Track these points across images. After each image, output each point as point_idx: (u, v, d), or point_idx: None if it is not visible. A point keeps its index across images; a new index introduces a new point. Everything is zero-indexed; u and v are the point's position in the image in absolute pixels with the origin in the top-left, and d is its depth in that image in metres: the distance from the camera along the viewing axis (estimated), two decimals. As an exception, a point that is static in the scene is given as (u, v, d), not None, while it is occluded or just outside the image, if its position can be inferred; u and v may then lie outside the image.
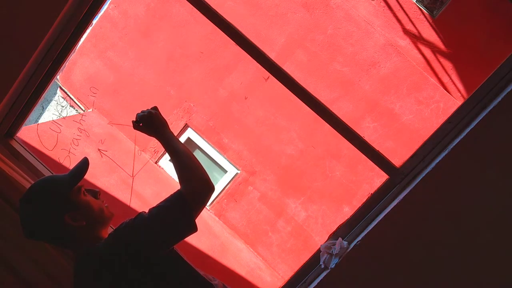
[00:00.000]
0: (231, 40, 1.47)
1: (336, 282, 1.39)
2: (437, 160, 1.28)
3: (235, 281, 3.34)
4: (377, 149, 1.43)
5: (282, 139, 3.84)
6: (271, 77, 1.49)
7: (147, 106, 1.30)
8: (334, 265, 1.37)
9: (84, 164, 1.19)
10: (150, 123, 1.23)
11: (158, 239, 1.07)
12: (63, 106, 4.22)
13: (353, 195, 3.75)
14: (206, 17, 1.48)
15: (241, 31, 1.46)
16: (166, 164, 4.02)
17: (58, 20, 1.44)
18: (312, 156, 3.80)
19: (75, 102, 4.14)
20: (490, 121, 1.22)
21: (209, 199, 1.13)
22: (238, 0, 3.81)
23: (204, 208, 3.92)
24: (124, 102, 4.03)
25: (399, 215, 1.31)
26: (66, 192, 1.13)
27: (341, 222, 1.48)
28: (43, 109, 4.32)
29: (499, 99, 1.21)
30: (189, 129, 4.01)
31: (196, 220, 1.11)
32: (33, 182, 1.53)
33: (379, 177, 3.59)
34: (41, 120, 4.33)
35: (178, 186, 1.13)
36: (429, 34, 4.18)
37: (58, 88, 4.20)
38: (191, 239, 3.25)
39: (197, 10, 1.48)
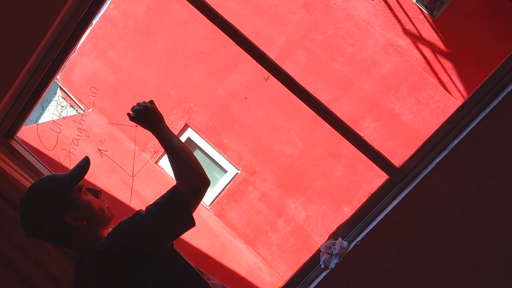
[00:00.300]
0: (231, 40, 1.47)
1: (336, 282, 1.39)
2: (437, 160, 1.28)
3: (235, 281, 3.34)
4: (377, 149, 1.43)
5: (282, 139, 3.84)
6: (271, 77, 1.49)
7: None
8: (334, 265, 1.37)
9: (85, 163, 1.19)
10: (146, 116, 1.23)
11: (157, 235, 1.07)
12: (63, 106, 4.22)
13: (353, 195, 3.75)
14: (206, 17, 1.48)
15: (241, 31, 1.46)
16: (166, 164, 4.02)
17: (58, 20, 1.44)
18: (312, 156, 3.80)
19: (75, 102, 4.14)
20: (490, 121, 1.22)
21: (205, 193, 1.13)
22: (238, 0, 3.81)
23: (204, 208, 3.93)
24: (124, 102, 4.03)
25: (399, 215, 1.31)
26: (66, 192, 1.13)
27: (341, 222, 1.48)
28: (43, 109, 4.32)
29: (499, 99, 1.21)
30: (189, 129, 4.01)
31: (196, 220, 1.11)
32: (33, 182, 1.53)
33: (379, 177, 3.59)
34: (41, 120, 4.33)
35: (178, 186, 1.13)
36: (429, 34, 4.18)
37: (58, 88, 4.20)
38: (191, 239, 3.26)
39: (197, 10, 1.48)
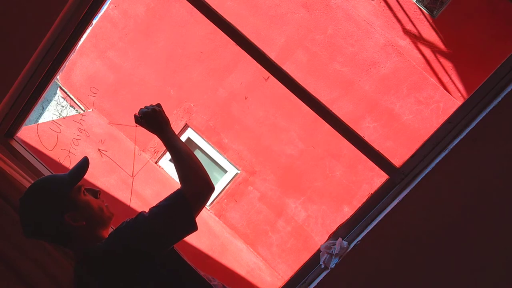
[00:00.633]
0: (231, 40, 1.47)
1: (336, 282, 1.39)
2: (437, 160, 1.28)
3: (235, 281, 3.34)
4: (377, 149, 1.43)
5: (282, 139, 3.84)
6: (271, 77, 1.49)
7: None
8: (334, 265, 1.37)
9: (84, 164, 1.19)
10: (153, 120, 1.23)
11: (159, 238, 1.07)
12: (63, 106, 4.22)
13: (353, 195, 3.75)
14: (206, 17, 1.48)
15: (241, 31, 1.46)
16: (166, 164, 4.02)
17: (58, 20, 1.44)
18: (312, 156, 3.80)
19: (75, 102, 4.14)
20: (490, 121, 1.22)
21: (209, 198, 1.14)
22: (238, 0, 3.81)
23: (204, 208, 3.92)
24: (124, 102, 4.03)
25: (399, 215, 1.31)
26: (66, 192, 1.13)
27: (341, 222, 1.48)
28: (43, 109, 4.32)
29: (499, 99, 1.21)
30: (189, 129, 4.01)
31: (197, 220, 1.11)
32: (33, 182, 1.53)
33: (379, 177, 3.59)
34: (41, 120, 4.33)
35: (178, 186, 1.14)
36: (429, 34, 4.18)
37: (58, 88, 4.20)
38: (191, 239, 3.25)
39: (197, 10, 1.48)
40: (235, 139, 3.93)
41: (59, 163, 2.59)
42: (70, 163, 2.57)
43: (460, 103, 1.73)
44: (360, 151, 1.44)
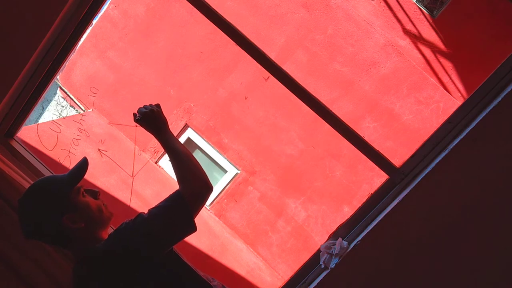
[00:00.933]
0: (231, 40, 1.47)
1: (336, 282, 1.39)
2: (437, 160, 1.28)
3: (235, 281, 3.34)
4: (377, 149, 1.43)
5: (282, 139, 3.84)
6: (271, 77, 1.49)
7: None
8: (334, 265, 1.37)
9: (83, 165, 1.18)
10: (151, 120, 1.23)
11: (158, 239, 1.07)
12: (63, 106, 4.22)
13: (353, 195, 3.75)
14: (206, 17, 1.48)
15: (241, 31, 1.46)
16: (166, 164, 4.02)
17: (58, 20, 1.44)
18: (312, 156, 3.80)
19: (75, 102, 4.14)
20: (490, 121, 1.22)
21: (207, 199, 1.14)
22: (238, 0, 3.81)
23: (204, 208, 3.92)
24: (124, 102, 4.03)
25: (399, 215, 1.31)
26: (65, 194, 1.12)
27: (341, 222, 1.48)
28: (43, 109, 4.32)
29: (499, 99, 1.21)
30: (189, 129, 4.01)
31: (196, 220, 1.11)
32: (32, 182, 1.53)
33: (379, 177, 3.59)
34: (41, 120, 4.33)
35: (178, 186, 1.14)
36: (429, 34, 4.18)
37: (58, 88, 4.20)
38: (191, 239, 3.25)
39: (197, 10, 1.48)
40: (235, 139, 3.93)
41: (59, 163, 2.59)
42: (70, 163, 2.57)
43: (460, 103, 1.73)
44: (360, 151, 1.44)
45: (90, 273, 1.09)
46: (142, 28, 3.98)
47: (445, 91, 3.72)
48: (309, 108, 1.46)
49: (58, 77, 4.11)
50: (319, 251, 1.45)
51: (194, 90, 3.96)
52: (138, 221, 1.08)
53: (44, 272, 1.53)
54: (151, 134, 1.25)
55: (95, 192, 1.21)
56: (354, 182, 3.75)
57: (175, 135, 1.26)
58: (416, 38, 4.20)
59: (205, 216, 3.77)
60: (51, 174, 1.60)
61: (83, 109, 4.13)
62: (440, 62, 4.20)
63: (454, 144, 1.26)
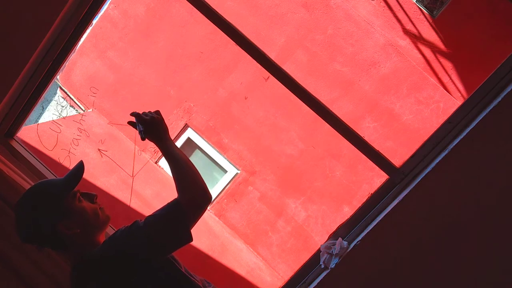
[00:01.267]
0: (231, 40, 1.47)
1: (336, 282, 1.39)
2: (437, 160, 1.28)
3: (235, 281, 3.34)
4: (377, 149, 1.43)
5: (282, 139, 3.84)
6: (271, 77, 1.49)
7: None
8: (334, 265, 1.37)
9: (78, 170, 1.16)
10: (153, 129, 1.20)
11: (152, 248, 1.06)
12: (63, 106, 4.22)
13: (353, 195, 3.75)
14: (206, 17, 1.48)
15: (241, 31, 1.46)
16: (166, 164, 4.02)
17: (58, 20, 1.44)
18: (312, 156, 3.80)
19: (75, 102, 4.14)
20: (490, 121, 1.22)
21: (206, 208, 1.12)
22: (238, 0, 3.81)
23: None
24: (124, 102, 4.03)
25: (399, 215, 1.31)
26: (59, 200, 1.11)
27: (341, 222, 1.48)
28: (43, 109, 4.32)
29: (499, 99, 1.21)
30: (189, 129, 4.01)
31: (196, 223, 1.10)
32: (32, 183, 1.53)
33: (379, 177, 3.59)
34: (41, 120, 4.33)
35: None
36: (429, 34, 4.18)
37: (58, 88, 4.20)
38: (191, 239, 3.25)
39: (197, 10, 1.48)
40: (235, 139, 3.93)
41: (59, 163, 2.59)
42: (70, 163, 2.57)
43: (460, 103, 1.73)
44: (360, 151, 1.44)
45: (87, 277, 1.08)
46: (142, 28, 3.98)
47: (445, 91, 3.72)
48: (309, 108, 1.46)
49: (58, 77, 4.11)
50: (319, 251, 1.45)
51: (194, 90, 3.96)
52: (134, 229, 1.07)
53: (44, 273, 1.52)
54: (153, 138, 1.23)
55: (92, 196, 1.19)
56: (354, 182, 3.75)
57: (175, 135, 1.25)
58: (416, 38, 4.20)
59: (205, 216, 3.77)
60: (48, 178, 1.60)
61: (83, 109, 4.13)
62: (440, 62, 4.20)
63: (454, 144, 1.26)
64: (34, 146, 2.33)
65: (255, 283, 3.47)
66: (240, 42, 1.47)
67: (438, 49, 4.19)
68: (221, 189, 3.98)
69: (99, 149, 3.36)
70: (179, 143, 3.99)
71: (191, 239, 1.08)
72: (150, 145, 4.00)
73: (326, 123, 1.45)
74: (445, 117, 1.32)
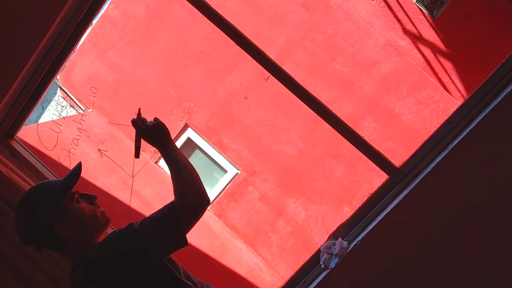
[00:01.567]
0: (231, 40, 1.47)
1: (336, 282, 1.39)
2: (437, 160, 1.28)
3: (235, 281, 3.34)
4: (377, 149, 1.43)
5: (282, 139, 3.84)
6: (271, 77, 1.49)
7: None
8: (334, 265, 1.37)
9: (76, 172, 1.16)
10: (155, 135, 1.20)
11: (147, 251, 1.06)
12: (63, 106, 4.22)
13: (353, 195, 3.75)
14: (206, 17, 1.48)
15: (241, 31, 1.46)
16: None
17: (58, 20, 1.44)
18: (312, 156, 3.80)
19: (75, 102, 4.14)
20: (490, 121, 1.22)
21: (203, 213, 1.11)
22: (238, 0, 3.81)
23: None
24: (124, 102, 4.03)
25: (399, 215, 1.31)
26: (57, 202, 1.11)
27: (341, 222, 1.48)
28: (43, 109, 4.32)
29: (499, 99, 1.21)
30: (189, 129, 4.01)
31: (192, 227, 1.10)
32: (32, 183, 1.53)
33: (379, 177, 3.59)
34: (41, 120, 4.33)
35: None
36: (429, 34, 4.18)
37: (58, 88, 4.20)
38: (191, 239, 3.25)
39: (197, 10, 1.48)
40: (235, 139, 3.93)
41: (59, 163, 2.59)
42: (70, 163, 2.57)
43: (460, 103, 1.73)
44: (360, 151, 1.44)
45: (86, 278, 1.08)
46: (142, 28, 3.97)
47: (445, 91, 3.72)
48: (309, 108, 1.46)
49: (58, 77, 4.11)
50: (319, 251, 1.45)
51: (194, 90, 3.96)
52: (129, 231, 1.07)
53: (44, 272, 1.52)
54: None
55: (91, 197, 1.19)
56: (354, 182, 3.74)
57: (175, 135, 1.25)
58: (416, 38, 4.20)
59: (205, 216, 3.77)
60: (48, 179, 1.60)
61: (83, 109, 4.13)
62: (440, 62, 4.20)
63: (454, 144, 1.26)
64: (34, 146, 2.33)
65: (255, 283, 3.47)
66: (240, 42, 1.47)
67: (438, 49, 4.19)
68: (221, 189, 3.98)
69: (99, 149, 3.36)
70: (179, 143, 3.99)
71: (185, 244, 1.07)
72: (150, 145, 3.99)
73: (326, 123, 1.45)
74: (445, 117, 1.32)
